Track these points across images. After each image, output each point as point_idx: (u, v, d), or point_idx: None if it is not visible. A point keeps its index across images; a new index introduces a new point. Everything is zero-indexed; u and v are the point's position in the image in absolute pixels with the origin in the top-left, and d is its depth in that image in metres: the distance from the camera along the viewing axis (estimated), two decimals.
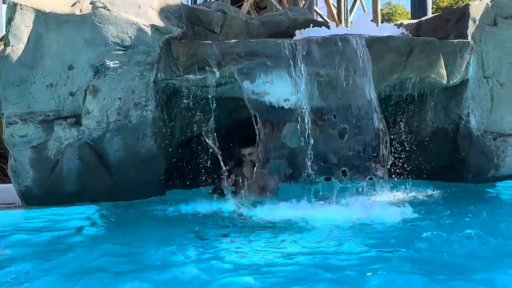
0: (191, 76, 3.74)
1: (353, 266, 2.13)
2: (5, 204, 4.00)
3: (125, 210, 3.53)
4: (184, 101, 4.08)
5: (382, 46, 3.65)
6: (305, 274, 2.06)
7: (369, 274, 2.01)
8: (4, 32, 3.75)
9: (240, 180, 3.85)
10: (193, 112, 4.12)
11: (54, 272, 2.18)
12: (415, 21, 4.94)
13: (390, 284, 1.93)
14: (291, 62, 3.60)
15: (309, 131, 3.58)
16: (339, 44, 3.54)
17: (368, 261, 2.20)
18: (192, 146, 4.32)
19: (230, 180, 3.86)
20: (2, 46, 3.80)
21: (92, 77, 3.58)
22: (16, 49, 3.55)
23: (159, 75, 3.73)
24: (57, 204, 3.59)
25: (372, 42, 3.57)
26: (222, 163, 3.75)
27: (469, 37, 4.10)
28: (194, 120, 4.17)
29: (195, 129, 4.18)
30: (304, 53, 3.57)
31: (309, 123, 3.60)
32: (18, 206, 3.88)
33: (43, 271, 2.20)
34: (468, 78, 4.17)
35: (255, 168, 3.84)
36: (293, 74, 3.68)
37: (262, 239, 2.60)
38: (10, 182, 3.86)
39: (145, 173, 3.79)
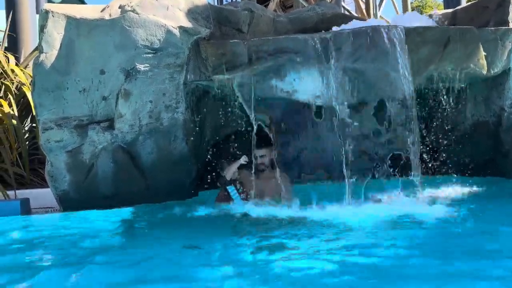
0: (220, 76, 3.71)
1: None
2: (43, 208, 4.10)
3: (161, 212, 3.54)
4: (214, 101, 4.06)
5: (418, 37, 3.50)
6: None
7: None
8: (38, 41, 3.83)
9: (249, 184, 3.67)
10: (223, 112, 4.09)
11: (91, 276, 2.18)
12: (450, 10, 4.73)
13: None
14: (322, 58, 3.50)
15: (342, 129, 3.46)
16: (372, 36, 3.41)
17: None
18: (223, 147, 4.30)
19: (237, 183, 3.68)
20: (37, 54, 3.88)
21: (123, 81, 3.61)
22: (50, 55, 3.62)
23: (188, 77, 3.73)
24: (93, 207, 3.63)
25: (408, 33, 3.43)
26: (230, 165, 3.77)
27: (511, 24, 3.88)
28: (224, 120, 4.14)
29: (225, 129, 4.16)
30: (335, 47, 3.46)
31: (343, 120, 3.49)
32: (56, 210, 3.96)
33: (80, 275, 2.20)
34: (510, 67, 3.95)
35: (265, 172, 3.66)
36: (324, 70, 3.58)
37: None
38: (48, 187, 3.95)
39: (178, 175, 3.79)
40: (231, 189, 3.67)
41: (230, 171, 3.70)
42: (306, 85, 3.71)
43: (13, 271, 2.29)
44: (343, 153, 3.48)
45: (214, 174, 3.94)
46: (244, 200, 3.69)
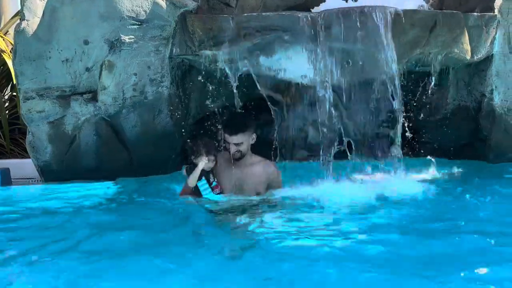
0: (207, 52, 3.67)
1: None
2: (24, 178, 4.07)
3: (142, 186, 3.55)
4: (199, 77, 4.03)
5: (405, 19, 3.51)
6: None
7: None
8: (18, 7, 3.72)
9: (225, 174, 2.99)
10: (209, 88, 4.07)
11: (67, 248, 2.20)
12: None
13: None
14: (311, 37, 3.49)
15: (328, 109, 3.50)
16: (361, 16, 3.41)
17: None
18: (207, 123, 4.30)
19: (210, 174, 2.96)
20: (18, 21, 3.77)
21: (107, 52, 3.54)
22: (31, 23, 3.51)
23: (174, 50, 3.68)
24: (76, 179, 3.63)
25: (396, 15, 3.43)
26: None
27: (496, 11, 3.91)
28: (209, 97, 4.12)
29: (210, 106, 4.14)
30: (324, 26, 3.45)
31: (329, 100, 3.52)
32: (37, 181, 3.94)
33: (58, 246, 2.23)
34: (493, 54, 4.00)
35: (243, 159, 2.93)
36: (312, 49, 3.58)
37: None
38: (29, 157, 3.91)
39: (162, 150, 3.78)
40: (201, 183, 2.94)
41: (194, 179, 2.92)
42: (293, 64, 3.71)
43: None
44: (326, 132, 3.53)
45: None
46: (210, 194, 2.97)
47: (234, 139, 2.89)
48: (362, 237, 2.25)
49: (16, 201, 3.43)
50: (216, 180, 2.96)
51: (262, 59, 3.76)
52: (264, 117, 4.31)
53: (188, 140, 3.08)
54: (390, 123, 3.77)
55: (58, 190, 3.51)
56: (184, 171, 3.01)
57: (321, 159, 3.52)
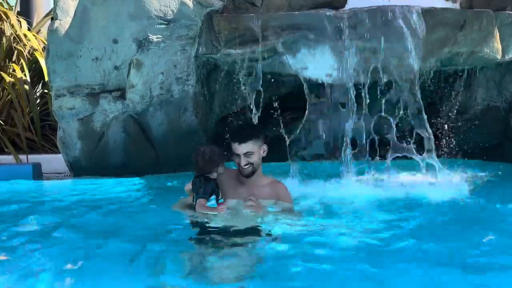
0: (232, 51, 3.70)
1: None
2: (54, 173, 4.20)
3: (169, 182, 3.61)
4: (224, 76, 4.07)
5: (433, 18, 3.45)
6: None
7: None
8: (50, 6, 3.84)
9: (230, 192, 2.51)
10: (233, 87, 4.11)
11: (94, 239, 2.27)
12: None
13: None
14: (336, 35, 3.48)
15: (353, 107, 3.48)
16: (387, 15, 3.37)
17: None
18: (231, 121, 4.33)
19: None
20: (50, 20, 3.89)
21: (135, 51, 3.62)
22: (64, 23, 3.63)
23: (200, 50, 3.73)
24: (104, 175, 3.72)
25: (424, 14, 3.38)
26: None
27: None
28: (233, 95, 4.16)
29: (234, 104, 4.18)
30: (350, 25, 3.44)
31: (353, 98, 3.50)
32: (67, 175, 4.06)
33: (89, 239, 2.29)
34: None
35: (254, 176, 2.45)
36: (337, 48, 3.57)
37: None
38: (59, 153, 4.04)
39: (186, 147, 3.83)
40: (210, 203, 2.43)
41: (204, 211, 2.39)
42: (318, 63, 3.71)
43: (25, 235, 2.39)
44: (351, 132, 3.50)
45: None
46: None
47: (244, 147, 2.42)
48: (382, 236, 2.20)
49: (46, 194, 3.56)
50: (222, 197, 2.47)
51: (286, 58, 3.77)
52: (288, 116, 4.33)
53: (205, 147, 2.48)
54: (415, 123, 3.71)
55: (86, 185, 3.61)
56: (189, 186, 2.47)
57: (343, 158, 3.51)
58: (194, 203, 2.40)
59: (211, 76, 4.06)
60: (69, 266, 1.89)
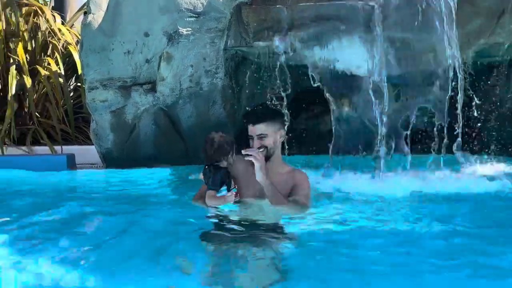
0: (261, 43, 3.70)
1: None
2: (87, 164, 4.33)
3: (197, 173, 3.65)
4: (252, 68, 4.07)
5: (470, 7, 3.33)
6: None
7: None
8: (83, 0, 3.93)
9: (243, 180, 2.33)
10: (261, 80, 4.10)
11: (125, 228, 2.31)
12: None
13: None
14: (367, 26, 3.41)
15: (385, 101, 3.41)
16: (421, 5, 3.27)
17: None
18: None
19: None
20: (83, 15, 3.99)
21: (166, 44, 3.67)
22: (97, 17, 3.71)
23: (229, 42, 3.74)
24: (135, 166, 3.81)
25: (460, 3, 3.26)
26: None
27: None
28: (261, 88, 4.15)
29: (262, 97, 4.18)
30: (382, 15, 3.36)
31: (385, 91, 3.43)
32: (100, 166, 4.18)
33: (122, 227, 2.34)
34: None
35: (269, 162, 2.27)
36: (368, 39, 3.50)
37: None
38: (92, 144, 4.16)
39: None
40: (220, 194, 2.29)
41: (214, 202, 2.28)
42: (349, 54, 3.65)
43: (60, 222, 2.48)
44: (382, 126, 3.44)
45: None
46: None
47: (257, 129, 2.28)
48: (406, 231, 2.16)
49: (79, 184, 3.68)
50: (235, 186, 2.31)
51: (316, 50, 3.73)
52: (317, 109, 4.30)
53: (213, 134, 2.28)
54: (450, 117, 3.60)
55: (117, 175, 3.71)
56: (200, 175, 2.35)
57: (375, 153, 3.45)
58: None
59: (240, 68, 4.07)
60: (89, 255, 1.92)
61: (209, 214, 2.25)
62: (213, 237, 2.04)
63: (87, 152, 4.37)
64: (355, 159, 3.82)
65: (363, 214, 2.46)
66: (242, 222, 2.15)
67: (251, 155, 2.17)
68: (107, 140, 3.94)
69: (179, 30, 3.63)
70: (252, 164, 2.21)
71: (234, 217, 2.20)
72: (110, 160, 3.99)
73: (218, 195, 2.25)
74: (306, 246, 2.00)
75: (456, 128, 3.40)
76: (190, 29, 3.64)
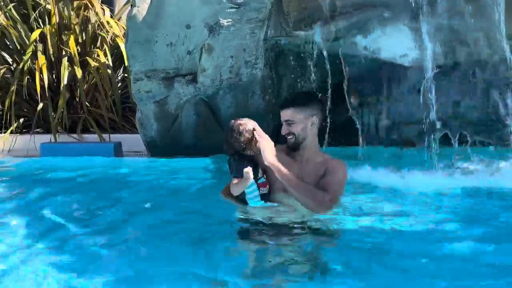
0: (301, 32, 3.66)
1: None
2: (133, 152, 4.52)
3: None
4: (292, 58, 4.04)
5: None
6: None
7: None
8: None
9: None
10: (301, 70, 4.06)
11: (174, 213, 2.41)
12: None
13: None
14: (413, 13, 3.27)
15: (432, 91, 3.27)
16: None
17: None
18: None
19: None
20: (129, 7, 4.12)
21: (207, 35, 3.72)
22: (141, 9, 3.82)
23: (269, 32, 3.73)
24: (177, 154, 3.93)
25: None
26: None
27: None
28: (301, 78, 4.12)
29: (303, 87, 4.14)
30: (430, 1, 3.20)
31: (431, 81, 3.28)
32: (144, 154, 4.35)
33: (165, 213, 2.44)
34: None
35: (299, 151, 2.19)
36: (414, 27, 3.36)
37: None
38: (137, 133, 4.33)
39: None
40: (249, 188, 2.14)
41: (239, 188, 2.16)
42: (393, 43, 3.53)
43: (106, 206, 2.63)
44: (429, 118, 3.30)
45: None
46: (262, 200, 2.17)
47: (284, 114, 2.19)
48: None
49: (124, 170, 3.84)
50: (264, 176, 2.18)
51: (358, 38, 3.64)
52: (359, 99, 4.19)
53: (233, 121, 2.23)
54: (503, 108, 3.40)
55: (160, 163, 3.85)
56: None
57: (425, 145, 3.32)
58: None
59: (279, 58, 4.05)
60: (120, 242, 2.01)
61: (239, 216, 2.17)
62: (248, 234, 2.02)
63: (133, 140, 4.55)
64: (399, 151, 3.73)
65: (407, 208, 2.40)
66: (273, 221, 2.10)
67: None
68: (151, 129, 4.08)
69: (220, 21, 3.66)
70: (285, 153, 2.15)
71: (266, 216, 2.12)
72: (154, 148, 4.14)
73: (247, 191, 2.14)
74: (346, 242, 1.97)
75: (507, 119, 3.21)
76: (231, 20, 3.66)
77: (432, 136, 3.28)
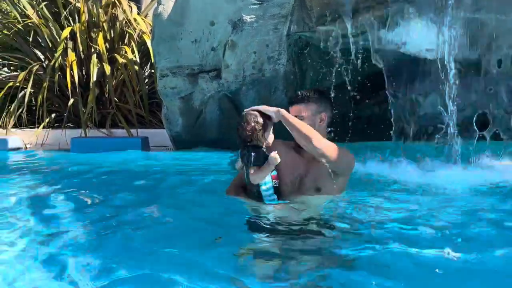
0: (324, 27, 3.66)
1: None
2: (159, 146, 4.65)
3: None
4: (315, 53, 4.05)
5: None
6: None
7: None
8: None
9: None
10: (325, 65, 4.06)
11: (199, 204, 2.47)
12: None
13: None
14: (438, 6, 3.22)
15: (455, 86, 3.22)
16: None
17: None
18: None
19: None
20: (156, 5, 4.22)
21: (230, 32, 3.78)
22: (167, 7, 3.91)
23: (292, 28, 3.75)
24: (201, 149, 4.03)
25: None
26: None
27: None
28: (324, 73, 4.12)
29: (326, 82, 4.14)
30: None
31: (456, 76, 3.23)
32: (170, 148, 4.48)
33: (192, 203, 2.50)
34: None
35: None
36: (439, 21, 3.31)
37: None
38: (163, 128, 4.45)
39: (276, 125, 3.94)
40: (265, 184, 2.11)
41: (262, 175, 2.12)
42: (418, 37, 3.48)
43: (137, 196, 2.73)
44: (454, 111, 3.26)
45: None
46: (275, 194, 2.14)
47: (293, 110, 2.18)
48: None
49: (151, 164, 3.96)
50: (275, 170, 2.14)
51: (382, 33, 3.61)
52: (383, 94, 4.15)
53: (245, 110, 2.16)
54: None
55: (185, 157, 3.97)
56: (239, 163, 2.17)
57: (449, 139, 3.28)
58: (246, 180, 2.12)
59: (302, 54, 4.07)
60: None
61: (251, 213, 2.12)
62: (259, 231, 1.95)
63: (159, 135, 4.69)
64: (423, 146, 3.68)
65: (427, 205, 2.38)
66: (286, 218, 2.06)
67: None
68: (176, 124, 4.19)
69: (243, 18, 3.71)
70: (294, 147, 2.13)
71: (277, 213, 2.09)
72: (179, 142, 4.25)
73: (263, 188, 2.10)
74: (367, 238, 1.93)
75: None
76: (254, 16, 3.70)
77: (452, 130, 3.23)
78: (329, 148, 2.10)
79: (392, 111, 3.74)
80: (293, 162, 2.17)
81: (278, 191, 2.15)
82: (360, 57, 3.81)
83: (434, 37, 3.41)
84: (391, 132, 3.57)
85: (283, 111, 2.11)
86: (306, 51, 4.05)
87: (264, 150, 2.10)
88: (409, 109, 3.87)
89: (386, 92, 3.81)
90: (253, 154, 2.08)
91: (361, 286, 1.52)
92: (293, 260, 1.72)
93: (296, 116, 2.16)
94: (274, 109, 2.12)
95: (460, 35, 3.27)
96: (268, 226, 1.98)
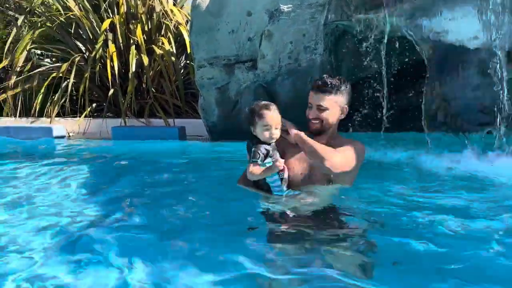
0: (363, 16, 3.59)
1: None
2: (195, 136, 4.74)
3: None
4: (352, 43, 3.98)
5: None
6: None
7: None
8: None
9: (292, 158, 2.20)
10: (362, 54, 3.99)
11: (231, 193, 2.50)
12: None
13: None
14: None
15: (502, 76, 3.10)
16: None
17: None
18: (358, 89, 4.25)
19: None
20: None
21: (267, 22, 3.77)
22: None
23: (329, 17, 3.70)
24: (236, 139, 4.06)
25: None
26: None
27: None
28: (362, 62, 4.05)
29: (363, 72, 4.08)
30: None
31: (503, 66, 3.11)
32: (206, 138, 4.55)
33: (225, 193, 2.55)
34: None
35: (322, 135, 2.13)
36: (485, 8, 3.17)
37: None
38: (199, 118, 4.53)
39: None
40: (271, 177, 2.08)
41: (258, 174, 2.08)
42: (461, 26, 3.36)
43: (172, 185, 2.81)
44: (501, 103, 3.14)
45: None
46: (283, 184, 2.12)
47: (319, 99, 2.10)
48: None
49: (188, 153, 4.08)
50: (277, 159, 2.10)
51: (423, 21, 3.50)
52: (422, 84, 4.04)
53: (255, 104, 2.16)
54: None
55: (221, 147, 4.03)
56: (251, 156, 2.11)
57: (499, 131, 3.17)
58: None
59: (339, 43, 4.01)
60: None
61: (263, 204, 2.09)
62: (272, 222, 1.92)
63: (195, 125, 4.77)
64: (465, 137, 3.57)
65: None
66: (297, 208, 2.03)
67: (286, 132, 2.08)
68: (212, 114, 4.25)
69: (280, 8, 3.70)
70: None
71: (289, 203, 2.04)
72: (215, 133, 4.32)
73: (270, 180, 2.08)
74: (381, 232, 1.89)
75: None
76: (291, 5, 3.68)
77: (499, 122, 3.12)
78: (342, 164, 2.03)
79: (432, 102, 3.65)
80: (301, 153, 2.11)
81: (288, 182, 2.11)
82: (399, 46, 3.73)
83: (480, 25, 3.28)
84: (425, 122, 3.48)
85: (303, 136, 2.06)
86: (343, 40, 4.00)
87: (273, 146, 2.08)
88: (451, 99, 3.75)
89: (426, 82, 3.72)
90: (254, 149, 2.08)
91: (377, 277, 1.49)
92: (305, 251, 1.72)
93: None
94: (295, 131, 2.09)
95: (504, 22, 3.14)
96: (277, 217, 1.94)
